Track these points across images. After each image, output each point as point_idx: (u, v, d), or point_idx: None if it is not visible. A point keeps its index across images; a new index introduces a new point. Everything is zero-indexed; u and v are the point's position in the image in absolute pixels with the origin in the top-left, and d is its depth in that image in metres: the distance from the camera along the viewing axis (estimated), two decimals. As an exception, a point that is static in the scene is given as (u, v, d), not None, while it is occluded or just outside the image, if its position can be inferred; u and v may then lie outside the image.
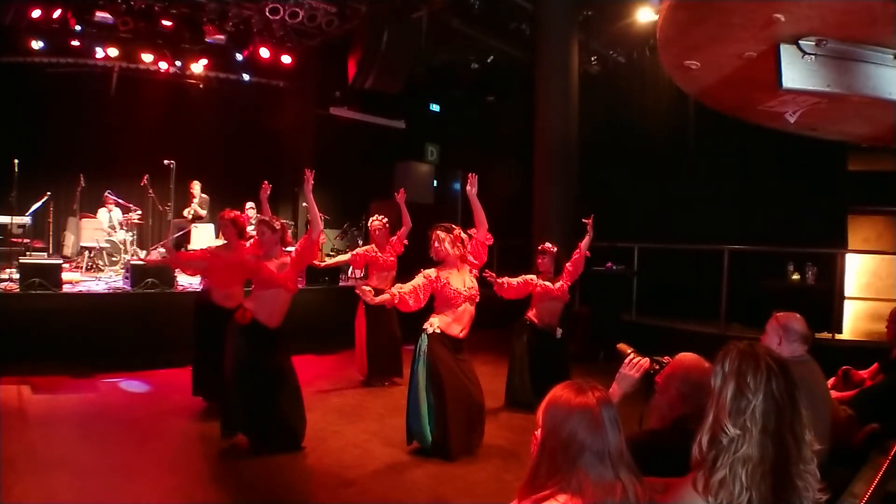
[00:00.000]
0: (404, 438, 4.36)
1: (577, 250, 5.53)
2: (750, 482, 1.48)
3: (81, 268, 8.58)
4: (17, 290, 6.39)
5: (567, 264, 5.52)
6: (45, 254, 8.47)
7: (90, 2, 8.72)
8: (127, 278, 7.20)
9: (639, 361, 2.15)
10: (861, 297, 7.59)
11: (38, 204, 8.43)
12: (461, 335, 4.31)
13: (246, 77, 11.16)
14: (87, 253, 8.71)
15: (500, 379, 5.64)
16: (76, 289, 7.11)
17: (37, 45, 9.26)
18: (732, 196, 8.52)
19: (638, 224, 9.03)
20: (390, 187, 10.84)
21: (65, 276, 7.02)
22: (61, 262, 7.28)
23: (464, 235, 4.37)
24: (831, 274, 7.15)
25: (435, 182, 12.55)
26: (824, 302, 7.03)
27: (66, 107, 9.97)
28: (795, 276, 7.30)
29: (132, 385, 5.84)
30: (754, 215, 8.25)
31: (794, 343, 2.79)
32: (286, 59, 10.41)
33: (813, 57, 2.59)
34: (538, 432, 1.55)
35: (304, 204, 5.23)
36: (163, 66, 10.42)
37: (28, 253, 7.87)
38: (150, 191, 9.06)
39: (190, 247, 8.78)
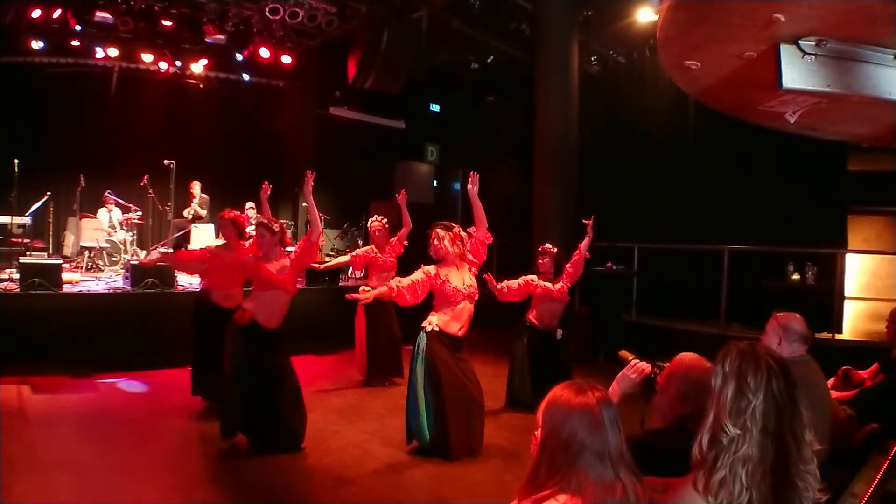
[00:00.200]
0: (404, 438, 4.36)
1: (577, 251, 5.53)
2: (750, 482, 1.48)
3: (81, 268, 8.58)
4: (17, 290, 6.40)
5: (567, 265, 5.52)
6: (45, 254, 8.47)
7: (90, 2, 8.72)
8: (127, 278, 7.21)
9: (640, 366, 2.15)
10: (861, 297, 7.59)
11: (38, 204, 8.43)
12: (460, 333, 4.31)
13: (246, 77, 11.16)
14: (87, 253, 8.72)
15: (501, 379, 5.64)
16: (76, 289, 7.11)
17: (37, 45, 9.26)
18: (732, 196, 8.52)
19: (638, 224, 9.02)
20: (390, 187, 10.88)
21: (65, 276, 7.03)
22: (61, 262, 7.29)
23: (463, 234, 4.37)
24: (831, 274, 7.15)
25: (435, 182, 12.56)
26: (824, 302, 7.03)
27: (66, 107, 9.98)
28: (795, 276, 7.30)
29: (132, 385, 5.84)
30: (754, 215, 8.25)
31: (793, 343, 2.79)
32: (286, 59, 10.41)
33: (813, 57, 2.59)
34: (538, 432, 1.55)
35: (304, 204, 5.23)
36: (163, 66, 10.42)
37: (28, 253, 7.87)
38: (150, 191, 9.06)
39: (190, 247, 8.78)
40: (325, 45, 10.21)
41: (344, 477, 3.87)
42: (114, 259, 8.70)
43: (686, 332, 7.53)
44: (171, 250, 8.36)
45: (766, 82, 2.81)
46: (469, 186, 4.29)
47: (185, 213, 9.65)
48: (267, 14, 9.17)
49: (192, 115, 11.21)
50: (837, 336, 6.95)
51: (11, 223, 7.84)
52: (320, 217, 4.84)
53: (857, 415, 3.22)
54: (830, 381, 3.58)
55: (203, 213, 9.82)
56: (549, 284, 5.41)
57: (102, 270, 8.53)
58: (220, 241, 6.54)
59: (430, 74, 11.20)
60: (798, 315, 2.87)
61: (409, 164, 12.28)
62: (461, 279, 4.29)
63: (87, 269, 8.54)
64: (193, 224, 9.51)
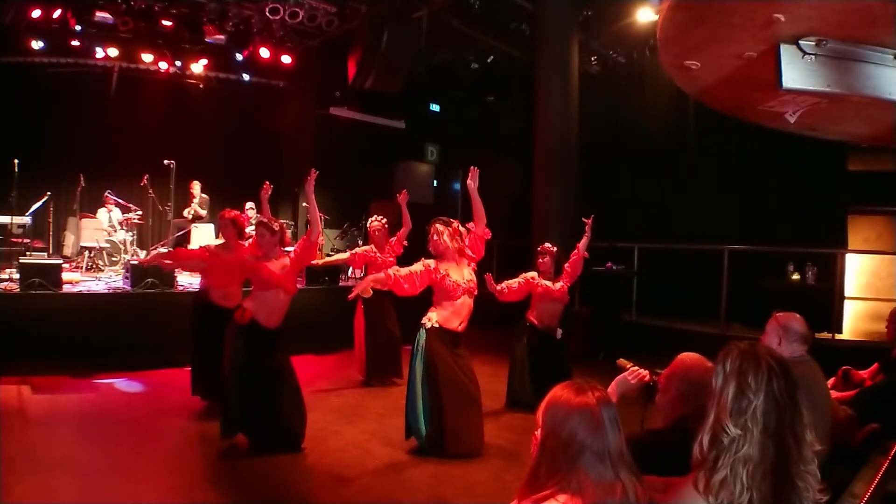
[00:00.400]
0: (403, 439, 4.36)
1: (576, 251, 5.55)
2: (751, 482, 1.48)
3: (81, 268, 8.58)
4: (17, 290, 6.39)
5: (565, 265, 5.53)
6: (45, 254, 8.47)
7: (90, 2, 8.72)
8: (127, 278, 7.21)
9: (639, 373, 2.15)
10: (861, 297, 7.59)
11: (38, 204, 8.43)
12: (460, 328, 4.32)
13: (246, 77, 11.15)
14: (87, 253, 8.72)
15: (501, 379, 5.64)
16: (76, 289, 7.11)
17: (37, 45, 9.26)
18: (732, 196, 8.52)
19: (638, 224, 9.03)
20: (390, 187, 10.89)
21: (65, 276, 7.03)
22: (61, 262, 7.29)
23: (462, 229, 4.38)
24: (831, 274, 7.15)
25: (435, 182, 12.56)
26: (824, 302, 7.03)
27: (66, 107, 9.97)
28: (795, 276, 7.30)
29: (132, 385, 5.84)
30: (754, 215, 8.25)
31: (793, 343, 2.79)
32: (286, 59, 10.41)
33: (813, 57, 2.59)
34: (538, 432, 1.55)
35: (305, 204, 5.23)
36: (163, 66, 10.41)
37: (28, 253, 7.87)
38: (150, 191, 9.06)
39: (190, 247, 8.77)
40: (325, 45, 10.20)
41: (344, 477, 3.87)
42: (114, 259, 8.70)
43: (686, 332, 7.54)
44: (170, 250, 8.37)
45: (766, 82, 2.81)
46: (468, 182, 4.28)
47: (185, 213, 9.65)
48: (267, 14, 9.16)
49: (192, 115, 11.20)
50: (837, 336, 6.96)
51: (11, 223, 7.84)
52: (320, 217, 4.84)
53: (857, 415, 3.22)
54: (830, 381, 3.58)
55: (203, 213, 9.82)
56: (549, 284, 5.41)
57: (102, 270, 8.53)
58: (220, 241, 6.55)
59: (430, 74, 11.20)
60: (798, 315, 2.87)
61: (409, 164, 12.28)
62: (461, 274, 4.30)
63: (87, 269, 8.54)
64: (193, 224, 9.51)
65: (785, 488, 1.51)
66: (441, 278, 4.21)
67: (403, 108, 12.10)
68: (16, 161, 7.72)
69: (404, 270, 4.21)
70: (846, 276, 7.33)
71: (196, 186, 9.82)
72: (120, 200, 9.24)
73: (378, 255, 6.21)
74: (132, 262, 7.33)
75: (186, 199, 9.67)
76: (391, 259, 6.24)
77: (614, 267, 8.13)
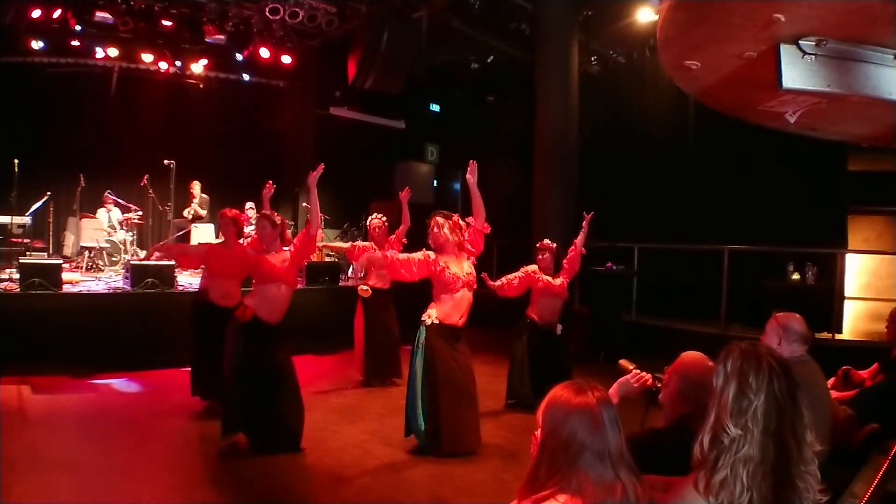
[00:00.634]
0: (403, 438, 4.37)
1: (573, 247, 5.58)
2: (751, 482, 1.48)
3: (81, 268, 8.58)
4: (17, 290, 6.39)
5: (564, 261, 5.56)
6: (45, 254, 8.48)
7: (90, 2, 8.72)
8: (127, 278, 7.20)
9: (642, 377, 2.15)
10: (861, 297, 7.58)
11: (38, 204, 8.43)
12: (460, 323, 4.33)
13: (246, 77, 11.16)
14: (87, 253, 8.72)
15: (500, 379, 5.65)
16: (76, 289, 7.11)
17: (37, 45, 9.26)
18: (732, 196, 8.51)
19: (638, 224, 9.02)
20: (390, 187, 10.88)
21: (65, 276, 7.02)
22: (61, 262, 7.29)
23: (462, 223, 4.39)
24: (831, 274, 7.14)
25: (435, 182, 12.56)
26: (824, 302, 7.03)
27: (66, 107, 9.97)
28: (795, 276, 7.30)
29: (132, 385, 5.84)
30: (754, 215, 8.24)
31: (793, 343, 2.79)
32: (286, 59, 10.41)
33: (813, 57, 2.59)
34: (538, 432, 1.55)
35: (305, 204, 5.23)
36: (163, 66, 10.42)
37: (28, 253, 7.87)
38: (150, 191, 9.06)
39: (190, 247, 8.78)
40: (325, 45, 10.21)
41: (344, 477, 3.87)
42: (114, 259, 8.70)
43: (686, 332, 7.53)
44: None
45: (766, 82, 2.81)
46: (468, 176, 4.27)
47: (185, 213, 9.65)
48: (267, 14, 9.17)
49: (192, 115, 11.20)
50: (837, 336, 6.95)
51: (11, 223, 7.84)
52: (321, 217, 4.84)
53: (857, 415, 3.22)
54: (830, 381, 3.57)
55: (203, 213, 9.82)
56: (549, 279, 5.43)
57: (102, 270, 8.53)
58: (220, 241, 6.55)
59: (430, 74, 11.20)
60: (798, 315, 2.87)
61: (409, 164, 12.28)
62: (460, 267, 4.31)
63: (87, 269, 8.53)
64: (193, 224, 9.51)
65: (785, 489, 1.51)
66: (440, 270, 4.21)
67: (403, 108, 12.10)
68: (16, 161, 7.72)
69: (403, 256, 4.25)
70: (846, 276, 7.32)
71: (196, 186, 9.82)
72: (120, 200, 9.24)
73: (377, 252, 6.20)
74: (132, 262, 7.33)
75: (186, 199, 9.67)
76: (390, 257, 6.25)
77: (614, 267, 8.13)
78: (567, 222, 7.34)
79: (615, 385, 2.12)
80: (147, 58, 10.14)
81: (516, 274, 5.40)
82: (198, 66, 10.63)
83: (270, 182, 4.97)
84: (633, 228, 8.85)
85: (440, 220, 4.33)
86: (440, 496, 3.68)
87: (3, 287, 6.56)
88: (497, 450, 4.41)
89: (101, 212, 9.14)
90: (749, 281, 7.36)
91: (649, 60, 9.15)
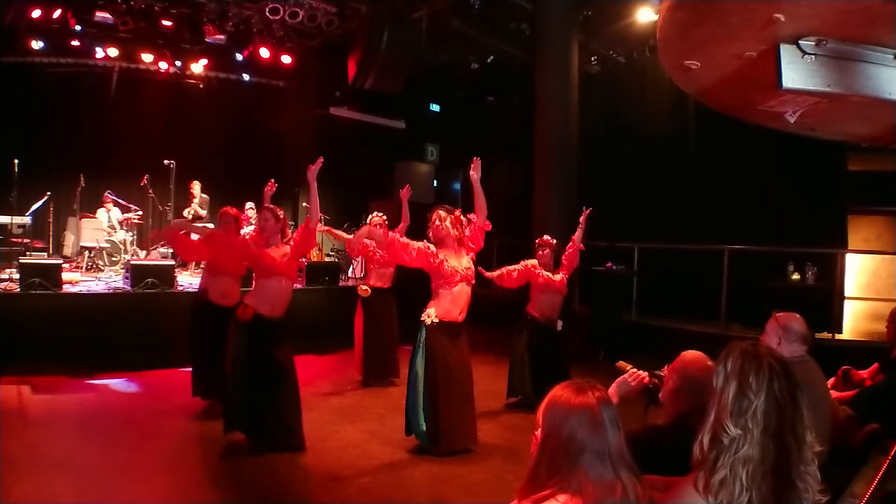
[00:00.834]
0: (403, 438, 4.37)
1: (571, 244, 5.61)
2: (750, 482, 1.48)
3: (81, 268, 8.59)
4: (17, 290, 6.39)
5: (562, 257, 5.58)
6: (45, 254, 8.46)
7: (90, 2, 8.72)
8: (127, 278, 7.20)
9: (639, 375, 2.15)
10: (861, 297, 7.58)
11: (38, 204, 8.43)
12: (460, 318, 4.34)
13: (246, 77, 11.15)
14: (87, 253, 8.72)
15: (501, 379, 5.66)
16: (76, 289, 7.11)
17: (37, 45, 9.25)
18: (732, 196, 8.52)
19: (638, 224, 9.03)
20: (390, 187, 10.88)
21: (65, 276, 7.02)
22: (61, 262, 7.28)
23: (463, 219, 4.40)
24: (831, 274, 7.15)
25: (435, 182, 12.55)
26: (824, 302, 7.03)
27: (66, 107, 9.97)
28: (795, 276, 7.30)
29: (132, 385, 5.84)
30: (754, 215, 8.24)
31: (793, 343, 2.78)
32: (286, 59, 10.40)
33: (813, 57, 2.59)
34: (538, 432, 1.55)
35: (305, 204, 5.23)
36: (163, 66, 10.41)
37: (28, 253, 7.87)
38: (150, 191, 9.07)
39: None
40: (325, 45, 10.20)
41: (344, 477, 3.87)
42: (114, 259, 8.70)
43: (686, 332, 7.53)
44: (170, 250, 8.37)
45: (766, 82, 2.81)
46: (471, 173, 4.26)
47: (185, 213, 9.64)
48: (267, 14, 9.16)
49: (192, 115, 11.20)
50: (837, 336, 6.95)
51: (11, 223, 7.84)
52: (321, 217, 4.84)
53: (857, 415, 3.22)
54: (830, 381, 3.58)
55: (203, 213, 9.81)
56: (549, 275, 5.45)
57: (102, 270, 8.54)
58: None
59: (430, 74, 11.19)
60: (798, 315, 2.87)
61: (409, 164, 12.28)
62: (459, 262, 4.32)
63: (87, 269, 8.54)
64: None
65: (785, 489, 1.51)
66: (439, 263, 4.22)
67: (403, 108, 12.09)
68: (16, 161, 7.72)
69: (404, 240, 4.27)
70: (846, 276, 7.32)
71: (196, 186, 9.81)
72: (120, 200, 9.24)
73: (377, 250, 6.20)
74: (132, 262, 7.32)
75: (186, 199, 9.67)
76: (390, 255, 6.25)
77: (614, 267, 8.13)
78: (567, 222, 7.32)
79: (614, 385, 2.12)
80: (147, 58, 10.13)
81: (516, 266, 5.44)
82: (198, 66, 10.62)
83: (273, 181, 4.97)
84: (633, 228, 8.85)
85: (442, 213, 4.35)
86: (440, 496, 3.68)
87: (3, 287, 6.56)
88: (497, 450, 4.41)
89: (100, 212, 9.14)
90: (749, 281, 7.36)
91: (649, 60, 9.15)
